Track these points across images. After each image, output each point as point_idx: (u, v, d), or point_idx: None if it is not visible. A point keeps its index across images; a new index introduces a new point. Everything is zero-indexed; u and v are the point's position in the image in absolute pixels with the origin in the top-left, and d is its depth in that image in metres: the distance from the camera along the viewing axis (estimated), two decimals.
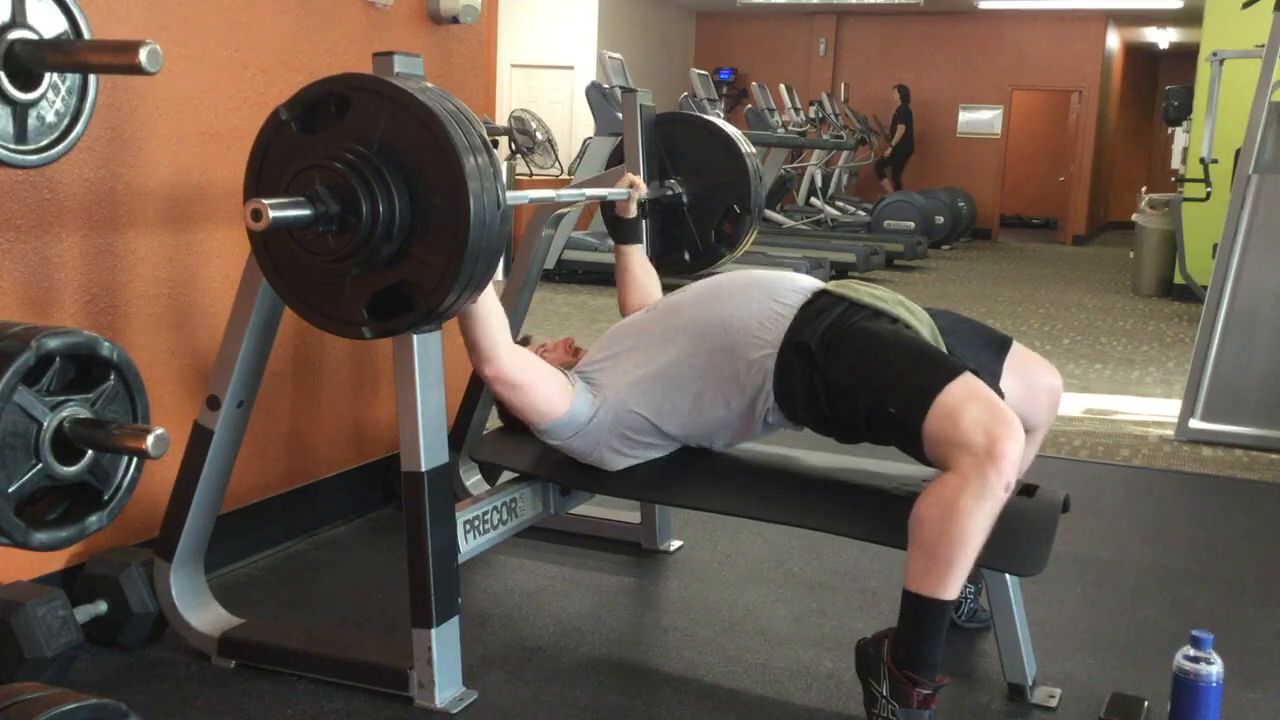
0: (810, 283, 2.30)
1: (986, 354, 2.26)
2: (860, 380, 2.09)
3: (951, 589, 1.92)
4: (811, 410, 2.17)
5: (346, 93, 1.86)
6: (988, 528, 1.90)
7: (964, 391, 1.98)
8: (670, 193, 2.90)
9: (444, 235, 1.82)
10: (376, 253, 1.84)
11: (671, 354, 2.27)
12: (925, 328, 2.21)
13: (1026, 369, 2.29)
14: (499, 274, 2.10)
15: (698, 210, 2.94)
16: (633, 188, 2.73)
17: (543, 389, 2.25)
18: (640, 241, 2.78)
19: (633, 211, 2.75)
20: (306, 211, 1.80)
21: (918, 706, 1.94)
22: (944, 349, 2.18)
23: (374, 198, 1.80)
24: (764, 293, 2.26)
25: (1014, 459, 1.88)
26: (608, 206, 2.88)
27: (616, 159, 3.00)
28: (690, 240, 2.94)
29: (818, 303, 2.22)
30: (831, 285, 2.28)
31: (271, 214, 1.74)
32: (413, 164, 1.82)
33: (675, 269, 3.00)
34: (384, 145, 1.82)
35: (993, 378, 2.20)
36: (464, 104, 1.89)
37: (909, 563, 1.95)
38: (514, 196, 2.34)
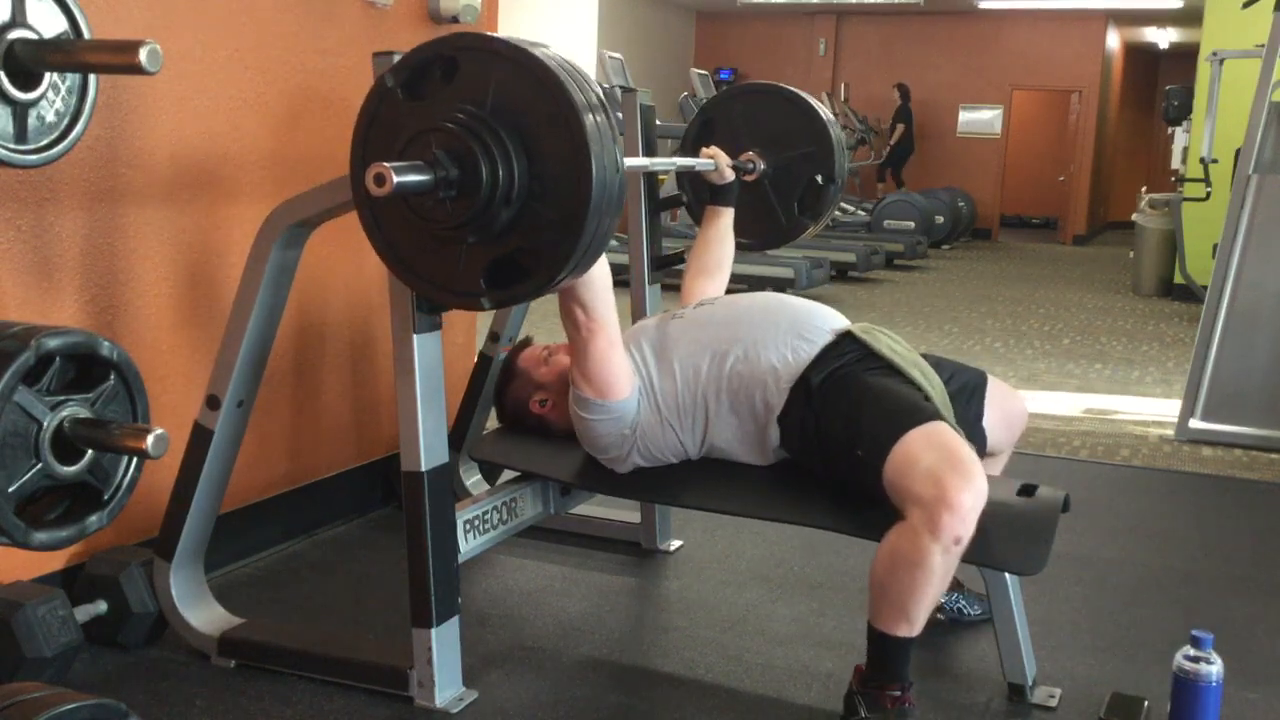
0: (838, 322, 2.29)
1: (975, 402, 2.33)
2: (842, 425, 2.09)
3: (906, 629, 1.95)
4: (805, 445, 2.18)
5: (453, 54, 1.77)
6: (942, 576, 1.91)
7: (923, 440, 1.96)
8: (750, 166, 2.84)
9: (564, 198, 1.72)
10: (495, 218, 1.75)
11: (692, 369, 2.25)
12: (937, 391, 2.20)
13: (1002, 401, 2.41)
14: None
15: (779, 183, 2.88)
16: (713, 158, 2.70)
17: (623, 365, 2.22)
18: (731, 205, 2.75)
19: (727, 177, 2.72)
20: (427, 176, 1.71)
21: (891, 706, 1.98)
22: (952, 414, 2.17)
23: (493, 160, 1.71)
24: (791, 326, 2.25)
25: (965, 510, 1.85)
26: (697, 181, 2.83)
27: (696, 143, 2.92)
28: (772, 213, 2.87)
29: (838, 347, 2.22)
30: (857, 329, 2.26)
31: (396, 179, 1.65)
32: (528, 124, 1.73)
33: (761, 242, 2.94)
34: (497, 105, 1.73)
35: (976, 422, 2.30)
36: (577, 63, 1.80)
37: (869, 598, 2.00)
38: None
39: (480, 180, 1.72)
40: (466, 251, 1.81)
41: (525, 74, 1.73)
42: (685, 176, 2.93)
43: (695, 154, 2.79)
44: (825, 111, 2.90)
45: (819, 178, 2.86)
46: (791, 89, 2.97)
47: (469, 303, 1.86)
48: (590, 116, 1.71)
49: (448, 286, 1.86)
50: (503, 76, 1.74)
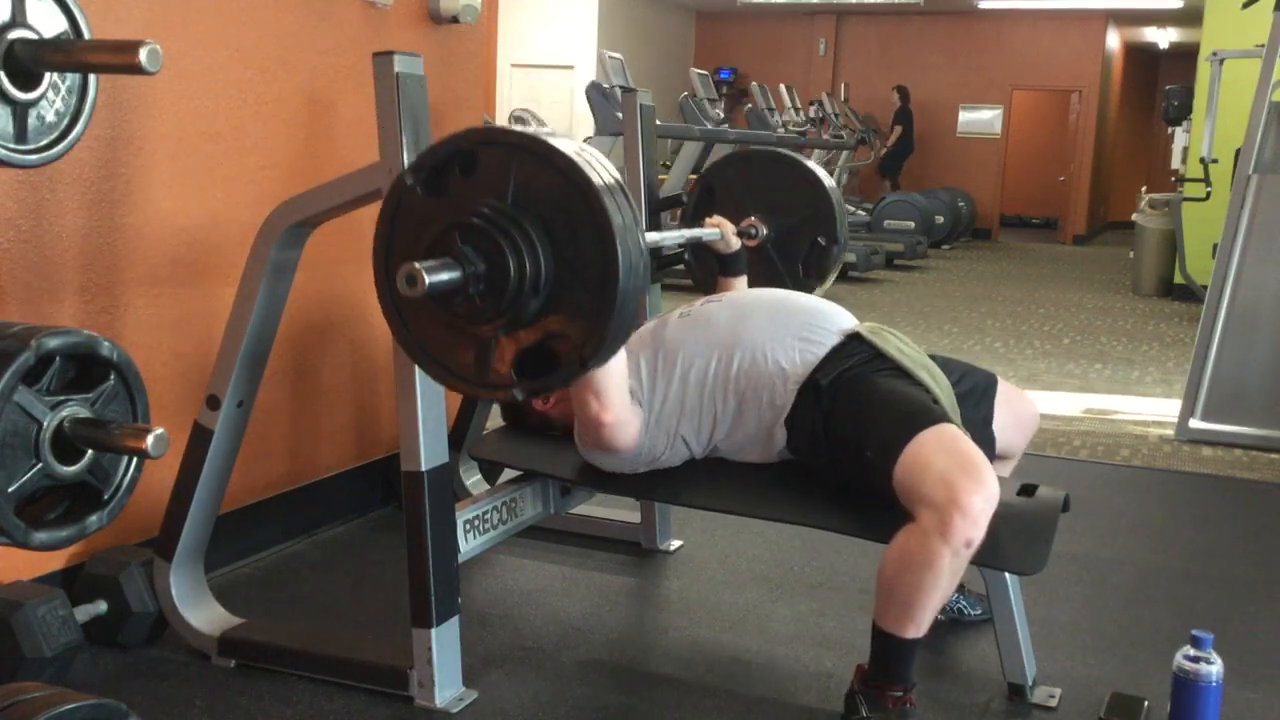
0: (846, 322, 2.28)
1: (984, 405, 2.32)
2: (851, 427, 2.09)
3: (912, 630, 1.95)
4: (813, 447, 2.17)
5: (472, 149, 1.79)
6: (950, 579, 1.91)
7: (935, 442, 1.96)
8: (753, 231, 2.85)
9: (591, 284, 1.72)
10: (524, 309, 1.75)
11: (699, 370, 2.24)
12: (945, 393, 2.19)
13: (1012, 404, 2.40)
14: None
15: (782, 246, 2.89)
16: (718, 226, 2.70)
17: (629, 427, 2.20)
18: (743, 273, 2.76)
19: (734, 245, 2.72)
20: (456, 274, 1.72)
21: (893, 706, 1.99)
22: (959, 416, 2.16)
23: (519, 251, 1.72)
24: (799, 327, 2.24)
25: (976, 513, 1.85)
26: (702, 249, 2.84)
27: (698, 212, 2.94)
28: (777, 277, 2.88)
29: (846, 348, 2.21)
30: (865, 330, 2.25)
31: (428, 278, 1.66)
32: (551, 213, 1.75)
33: None
34: (519, 197, 1.75)
35: (985, 425, 2.28)
36: (592, 147, 1.82)
37: (875, 598, 2.00)
38: None
39: (508, 272, 1.72)
40: (497, 343, 1.81)
41: (544, 163, 1.74)
42: (691, 249, 2.94)
43: (698, 223, 2.79)
44: (823, 174, 2.92)
45: (821, 239, 2.87)
46: (789, 153, 3.00)
47: (501, 395, 1.86)
48: (611, 201, 1.72)
49: (479, 381, 1.86)
50: (522, 167, 1.75)
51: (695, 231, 2.75)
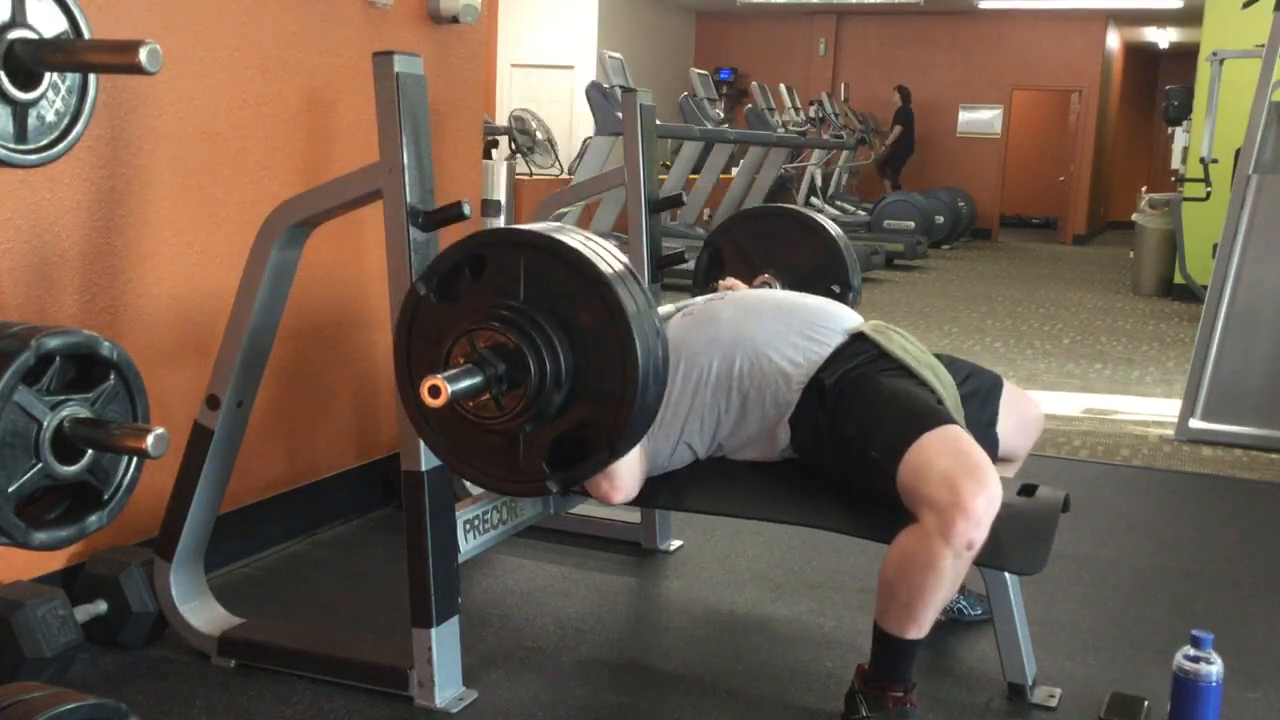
0: (850, 321, 2.27)
1: (989, 406, 2.31)
2: (855, 427, 2.08)
3: (913, 631, 1.95)
4: (816, 446, 2.16)
5: (479, 251, 1.82)
6: (952, 580, 1.91)
7: (939, 444, 1.95)
8: (768, 287, 2.84)
9: (611, 371, 1.76)
10: (549, 403, 1.78)
11: (701, 369, 2.22)
12: (949, 392, 2.19)
13: (1016, 406, 2.39)
14: None
15: None
16: (732, 289, 2.69)
17: (635, 486, 2.18)
18: None
19: None
20: (478, 379, 1.74)
21: (893, 706, 1.99)
22: (963, 416, 2.16)
23: (536, 347, 1.75)
24: (803, 326, 2.23)
25: (979, 515, 1.85)
26: None
27: (708, 277, 2.94)
28: None
29: (851, 347, 2.20)
30: (869, 329, 2.24)
31: (450, 388, 1.69)
32: (564, 306, 1.77)
33: None
34: (530, 294, 1.78)
35: (989, 427, 2.28)
36: (595, 235, 1.85)
37: (877, 598, 1.99)
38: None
39: (528, 370, 1.75)
40: (525, 440, 1.84)
41: (551, 257, 1.77)
42: None
43: (710, 289, 2.80)
44: (829, 224, 2.93)
45: (835, 288, 2.88)
46: (792, 208, 3.03)
47: (536, 489, 1.88)
48: (623, 289, 1.75)
49: (513, 478, 1.88)
50: (531, 265, 1.78)
51: (701, 298, 2.74)
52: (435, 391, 1.69)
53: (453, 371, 1.73)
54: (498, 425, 1.81)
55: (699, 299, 2.46)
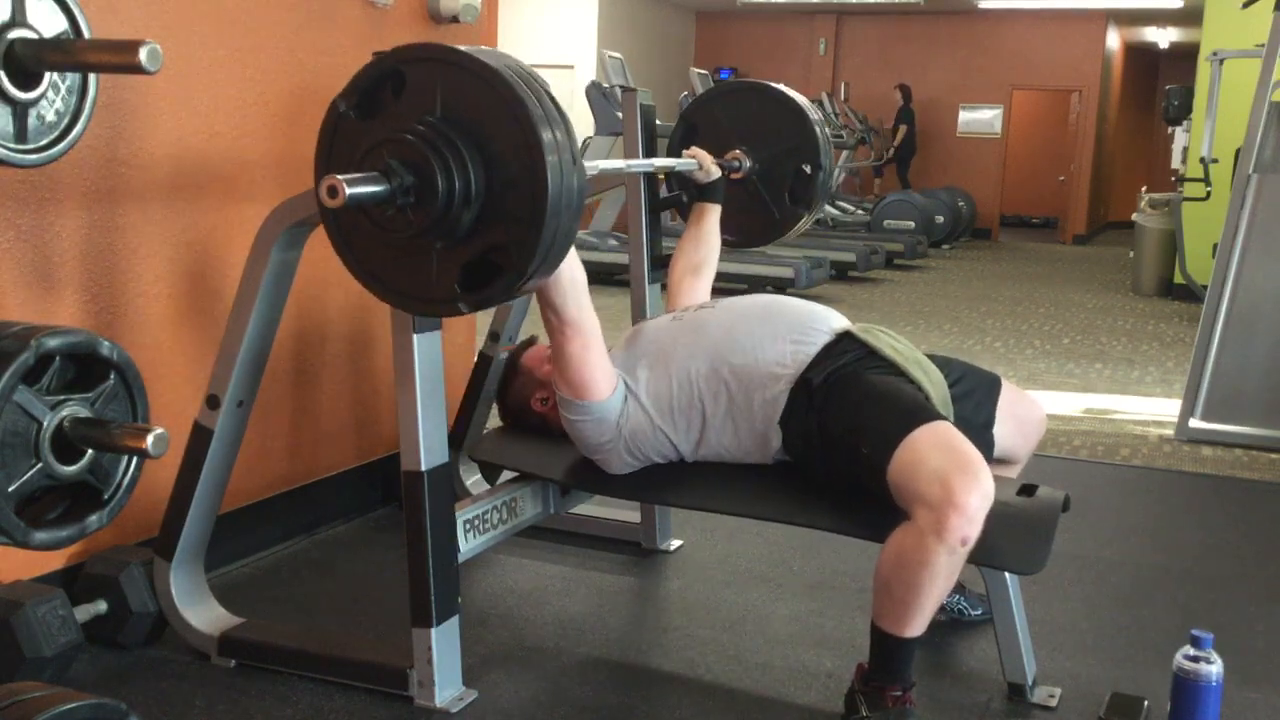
0: (837, 323, 2.28)
1: (985, 407, 2.31)
2: (844, 425, 2.08)
3: (910, 629, 1.95)
4: (807, 447, 2.17)
5: (398, 67, 1.81)
6: (946, 577, 1.91)
7: (930, 439, 1.95)
8: (736, 164, 2.85)
9: (522, 195, 1.74)
10: (458, 222, 1.77)
11: (690, 371, 2.24)
12: (937, 390, 2.19)
13: (1016, 408, 2.38)
14: None
15: (767, 177, 2.89)
16: (695, 158, 2.72)
17: (600, 367, 2.21)
18: (718, 201, 2.76)
19: (714, 173, 2.74)
20: (382, 186, 1.73)
21: (893, 705, 1.99)
22: (951, 414, 2.16)
23: (446, 163, 1.74)
24: (790, 329, 2.24)
25: (972, 511, 1.84)
26: (681, 181, 2.86)
27: (680, 148, 2.93)
28: (765, 208, 2.89)
29: (838, 346, 2.21)
30: (857, 329, 2.26)
31: (348, 190, 1.67)
32: (479, 125, 1.76)
33: (758, 238, 2.96)
34: (447, 111, 1.77)
35: (985, 428, 2.28)
36: (520, 60, 1.83)
37: (873, 597, 2.00)
38: (588, 168, 2.32)
39: (436, 185, 1.74)
40: (437, 258, 1.83)
41: (469, 75, 1.76)
42: (674, 179, 2.95)
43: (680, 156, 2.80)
44: (804, 101, 2.92)
45: (806, 167, 2.87)
46: (768, 83, 2.99)
47: (446, 309, 1.88)
48: (541, 112, 1.73)
49: (423, 296, 1.88)
50: (449, 82, 1.77)
51: (670, 161, 2.77)
52: (333, 192, 1.67)
53: (355, 176, 1.72)
54: (407, 240, 1.81)
55: (690, 308, 2.46)
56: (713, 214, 2.76)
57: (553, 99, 1.78)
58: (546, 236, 1.75)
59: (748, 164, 2.87)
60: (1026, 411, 2.43)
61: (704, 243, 2.74)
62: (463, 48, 1.77)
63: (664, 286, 2.96)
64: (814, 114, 2.90)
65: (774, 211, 2.90)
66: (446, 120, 1.76)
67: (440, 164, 1.74)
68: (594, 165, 2.41)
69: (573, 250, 2.00)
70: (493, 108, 1.74)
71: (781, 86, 2.96)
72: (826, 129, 2.91)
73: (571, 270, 2.08)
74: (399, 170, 1.75)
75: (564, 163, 1.75)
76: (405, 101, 1.80)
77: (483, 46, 1.84)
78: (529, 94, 1.74)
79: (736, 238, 2.90)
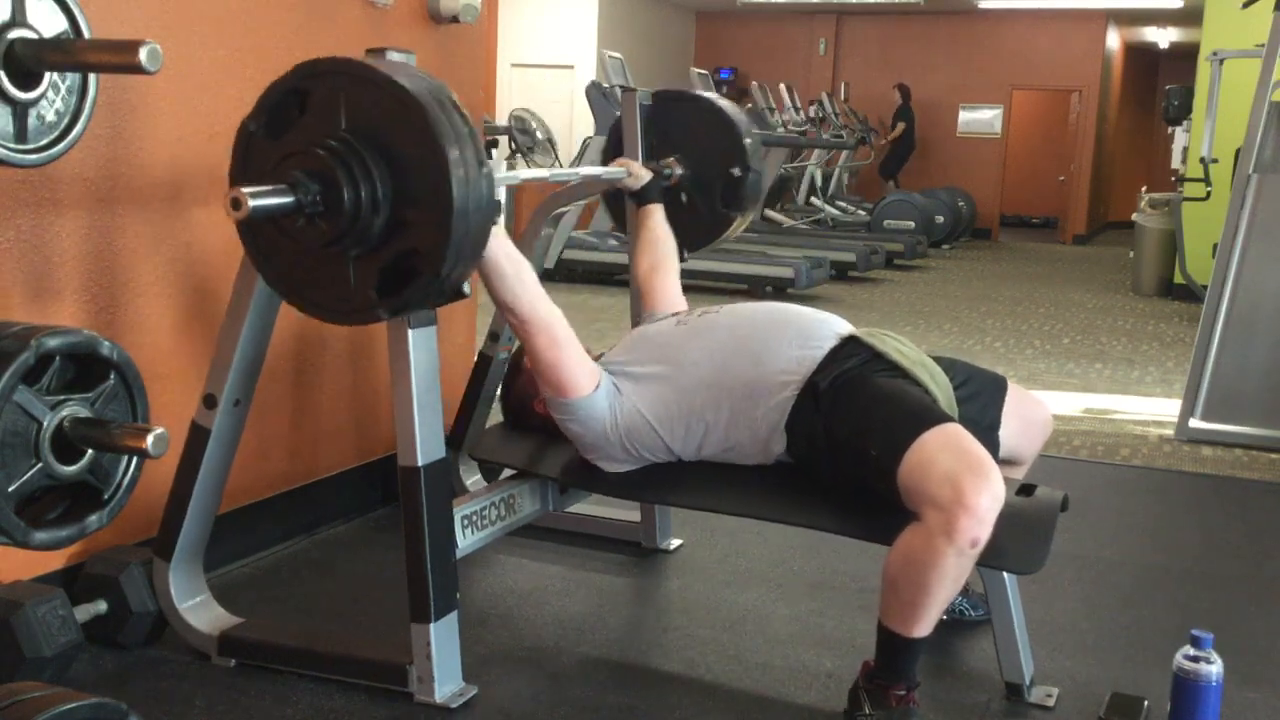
0: (842, 327, 2.28)
1: (991, 409, 2.30)
2: (852, 428, 2.08)
3: (918, 629, 1.95)
4: (812, 450, 2.16)
5: (300, 85, 1.86)
6: (955, 579, 1.91)
7: (940, 441, 1.95)
8: (669, 171, 2.87)
9: (427, 198, 1.79)
10: (369, 228, 1.81)
11: (694, 377, 2.24)
12: (943, 392, 2.18)
13: (1021, 409, 2.37)
14: None
15: (698, 183, 2.91)
16: (625, 166, 2.74)
17: (576, 363, 2.22)
18: (658, 200, 2.78)
19: (643, 176, 2.75)
20: (288, 198, 1.78)
21: (896, 704, 1.99)
22: (957, 416, 2.15)
23: (350, 172, 1.79)
24: (797, 335, 2.23)
25: (983, 513, 1.85)
26: (613, 194, 2.90)
27: (611, 154, 2.97)
28: (697, 213, 2.90)
29: (844, 350, 2.21)
30: (862, 332, 2.26)
31: (251, 202, 1.72)
32: (382, 133, 1.80)
33: (695, 242, 2.98)
34: (350, 122, 1.81)
35: (991, 430, 2.26)
36: (413, 63, 1.88)
37: (881, 597, 1.99)
38: (507, 177, 2.37)
39: (342, 193, 1.78)
40: (354, 266, 1.86)
41: (368, 86, 1.80)
42: (608, 198, 3.00)
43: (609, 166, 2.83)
44: (728, 105, 2.94)
45: (734, 170, 2.89)
46: (693, 92, 3.04)
47: (367, 317, 1.91)
48: (437, 109, 1.77)
49: (343, 306, 1.92)
50: (350, 94, 1.81)
51: (595, 170, 2.81)
52: (236, 204, 1.71)
53: (258, 188, 1.76)
54: (321, 250, 1.84)
55: (694, 311, 2.46)
56: (656, 214, 2.78)
57: (450, 97, 1.82)
58: (456, 235, 1.79)
59: (679, 171, 2.90)
60: (1032, 412, 2.42)
61: (658, 243, 2.75)
62: (363, 59, 1.83)
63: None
64: (739, 117, 2.92)
65: (706, 215, 2.93)
66: (352, 130, 1.81)
67: (345, 173, 1.79)
68: (514, 175, 2.50)
69: (512, 247, 2.07)
70: (392, 112, 1.78)
71: (705, 95, 3.01)
72: (755, 134, 2.94)
73: (517, 268, 2.12)
74: (304, 181, 1.79)
75: (467, 160, 1.78)
76: (310, 116, 1.85)
77: (395, 63, 1.88)
78: (426, 93, 1.78)
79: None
